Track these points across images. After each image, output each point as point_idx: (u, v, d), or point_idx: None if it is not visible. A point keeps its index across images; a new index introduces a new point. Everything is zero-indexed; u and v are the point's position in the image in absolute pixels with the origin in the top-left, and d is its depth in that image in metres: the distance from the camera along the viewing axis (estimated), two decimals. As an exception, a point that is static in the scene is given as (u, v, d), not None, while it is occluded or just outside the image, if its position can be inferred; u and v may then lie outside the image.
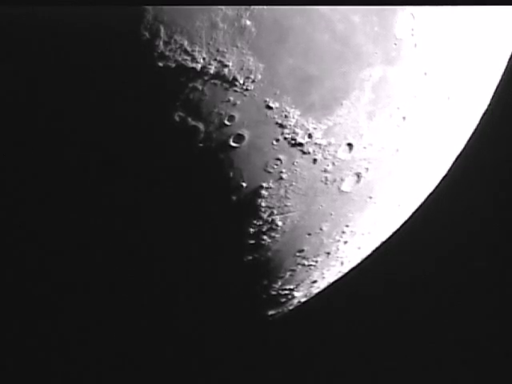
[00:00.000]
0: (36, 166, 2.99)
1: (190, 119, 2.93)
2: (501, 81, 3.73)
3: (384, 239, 3.90)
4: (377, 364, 5.39)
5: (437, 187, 3.89)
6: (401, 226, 3.91)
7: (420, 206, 3.91)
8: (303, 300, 3.94)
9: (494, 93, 3.74)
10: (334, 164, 3.21)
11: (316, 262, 3.59)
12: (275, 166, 3.11)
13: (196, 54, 2.82)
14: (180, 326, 3.72)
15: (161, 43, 2.79)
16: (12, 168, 3.00)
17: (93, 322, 3.56)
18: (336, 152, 3.18)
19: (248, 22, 2.83)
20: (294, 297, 3.79)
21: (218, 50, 2.83)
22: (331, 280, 3.91)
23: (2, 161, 2.99)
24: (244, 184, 3.12)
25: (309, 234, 3.40)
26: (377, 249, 3.94)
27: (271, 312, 3.85)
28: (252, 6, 2.81)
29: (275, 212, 3.24)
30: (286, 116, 3.01)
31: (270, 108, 2.97)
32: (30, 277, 3.31)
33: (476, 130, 3.80)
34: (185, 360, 4.19)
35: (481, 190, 5.39)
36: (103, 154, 2.96)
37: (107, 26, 2.77)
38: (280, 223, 3.28)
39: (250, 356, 5.06)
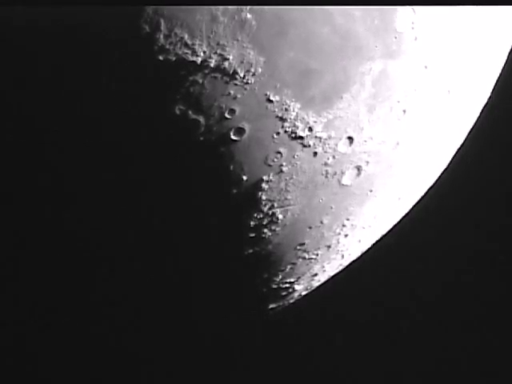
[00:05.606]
0: (35, 163, 2.99)
1: (190, 113, 2.93)
2: (501, 74, 3.73)
3: (384, 232, 3.91)
4: (377, 363, 5.40)
5: (437, 180, 3.90)
6: (401, 220, 3.92)
7: (420, 200, 3.91)
8: (304, 293, 3.94)
9: (495, 86, 3.74)
10: (334, 157, 3.21)
11: (316, 255, 3.59)
12: (276, 160, 3.12)
13: (196, 47, 2.82)
14: (180, 321, 3.73)
15: (161, 37, 2.79)
16: (10, 166, 3.01)
17: (92, 319, 3.57)
18: (336, 145, 3.18)
19: (248, 16, 2.83)
20: (294, 290, 3.79)
21: (218, 44, 2.83)
22: (332, 273, 3.91)
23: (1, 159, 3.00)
24: (244, 177, 3.12)
25: (309, 228, 3.41)
26: (377, 242, 3.95)
27: (272, 305, 3.86)
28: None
29: (276, 205, 3.24)
30: (286, 109, 3.01)
31: (271, 101, 2.98)
32: (31, 275, 3.33)
33: (476, 123, 3.81)
34: (184, 355, 4.19)
35: (481, 183, 5.39)
36: (103, 147, 2.97)
37: (107, 20, 2.77)
38: (280, 216, 3.29)
39: (250, 350, 5.07)
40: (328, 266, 3.77)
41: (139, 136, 2.95)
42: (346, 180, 3.31)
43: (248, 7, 2.82)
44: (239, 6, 2.81)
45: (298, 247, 3.48)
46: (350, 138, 3.19)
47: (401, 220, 3.93)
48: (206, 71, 2.87)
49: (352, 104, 3.10)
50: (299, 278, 3.71)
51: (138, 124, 2.93)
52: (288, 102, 3.00)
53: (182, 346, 4.02)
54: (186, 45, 2.81)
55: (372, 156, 3.29)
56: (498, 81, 3.73)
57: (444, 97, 3.35)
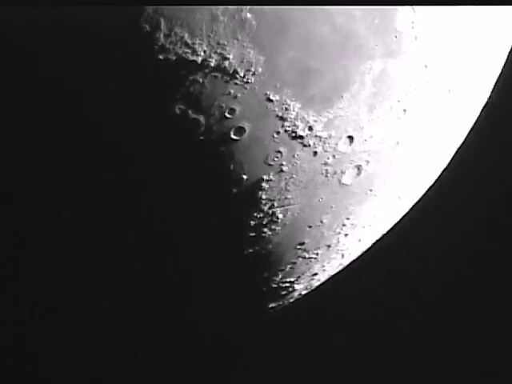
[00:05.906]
0: (35, 163, 2.99)
1: (190, 112, 2.93)
2: (501, 73, 3.73)
3: (384, 232, 3.91)
4: (377, 363, 5.40)
5: (437, 180, 3.90)
6: (401, 219, 3.92)
7: (420, 200, 3.91)
8: (304, 293, 3.94)
9: (494, 86, 3.74)
10: (334, 157, 3.21)
11: (317, 254, 3.59)
12: (276, 159, 3.12)
13: (196, 46, 2.82)
14: (180, 321, 3.73)
15: (161, 36, 2.79)
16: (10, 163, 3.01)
17: (92, 319, 3.57)
18: (336, 145, 3.18)
19: (248, 15, 2.83)
20: (294, 289, 3.79)
21: (218, 43, 2.83)
22: (332, 273, 3.91)
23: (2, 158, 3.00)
24: (244, 176, 3.12)
25: (309, 227, 3.41)
26: (377, 241, 3.95)
27: (272, 305, 3.86)
28: (252, -1, 2.82)
29: (276, 204, 3.24)
30: (286, 109, 3.01)
31: (271, 101, 2.98)
32: (31, 275, 3.33)
33: (476, 122, 3.81)
34: (184, 355, 4.19)
35: (481, 183, 5.39)
36: (103, 147, 2.97)
37: (107, 20, 2.77)
38: (280, 216, 3.29)
39: (250, 350, 5.07)
40: (328, 266, 3.77)
41: (139, 136, 2.95)
42: (346, 179, 3.31)
43: (248, 7, 2.82)
44: (239, 6, 2.81)
45: (298, 246, 3.48)
46: (350, 138, 3.20)
47: (401, 220, 3.93)
48: (206, 70, 2.87)
49: (352, 103, 3.10)
50: (299, 277, 3.71)
51: (138, 124, 2.93)
52: (288, 101, 3.00)
53: (182, 346, 4.02)
54: (186, 44, 2.81)
55: (372, 155, 3.29)
56: (497, 81, 3.73)
57: (444, 96, 3.36)
